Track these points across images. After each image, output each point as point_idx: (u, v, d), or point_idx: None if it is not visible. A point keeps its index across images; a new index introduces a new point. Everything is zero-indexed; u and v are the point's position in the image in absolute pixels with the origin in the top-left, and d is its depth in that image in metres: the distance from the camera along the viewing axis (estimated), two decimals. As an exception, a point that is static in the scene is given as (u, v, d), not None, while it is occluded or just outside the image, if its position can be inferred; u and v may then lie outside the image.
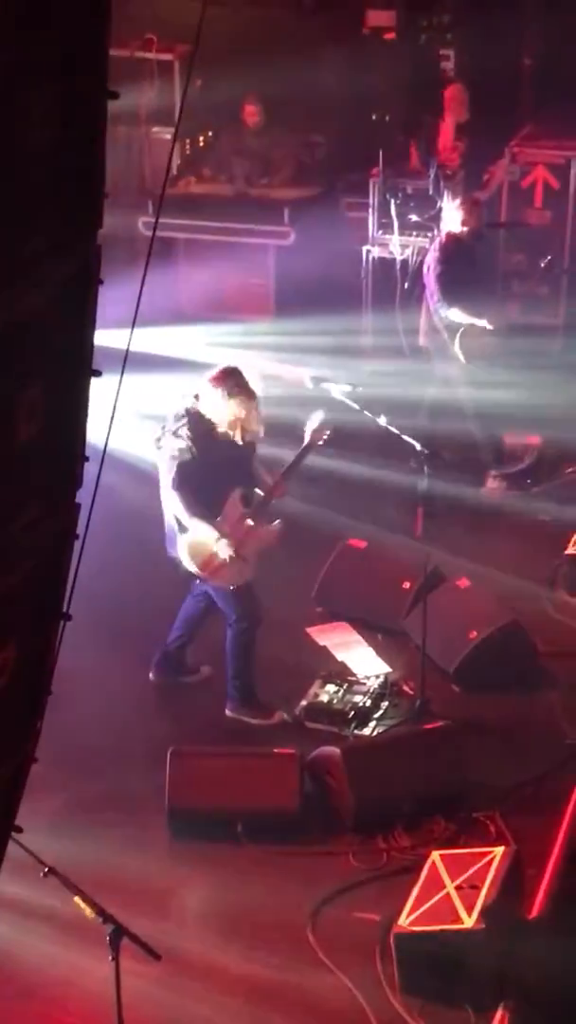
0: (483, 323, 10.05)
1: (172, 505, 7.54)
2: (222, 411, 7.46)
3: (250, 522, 7.63)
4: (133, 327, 3.09)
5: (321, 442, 7.74)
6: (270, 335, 10.14)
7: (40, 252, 2.53)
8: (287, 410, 8.13)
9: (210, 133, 12.95)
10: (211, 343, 11.14)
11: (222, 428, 7.48)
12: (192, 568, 7.60)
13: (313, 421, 7.75)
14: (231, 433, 7.49)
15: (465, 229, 10.15)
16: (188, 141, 12.74)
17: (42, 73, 2.44)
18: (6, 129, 2.34)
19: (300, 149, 12.94)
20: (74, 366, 2.74)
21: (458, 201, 10.50)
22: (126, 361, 3.19)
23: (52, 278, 2.57)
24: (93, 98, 2.61)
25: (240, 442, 7.54)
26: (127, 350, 3.19)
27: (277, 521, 7.75)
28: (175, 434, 7.46)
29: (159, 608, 8.37)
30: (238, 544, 7.55)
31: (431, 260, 10.25)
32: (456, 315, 10.02)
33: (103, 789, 7.31)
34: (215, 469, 7.49)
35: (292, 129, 12.84)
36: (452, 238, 10.20)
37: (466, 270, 10.15)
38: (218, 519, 7.52)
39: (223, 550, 7.50)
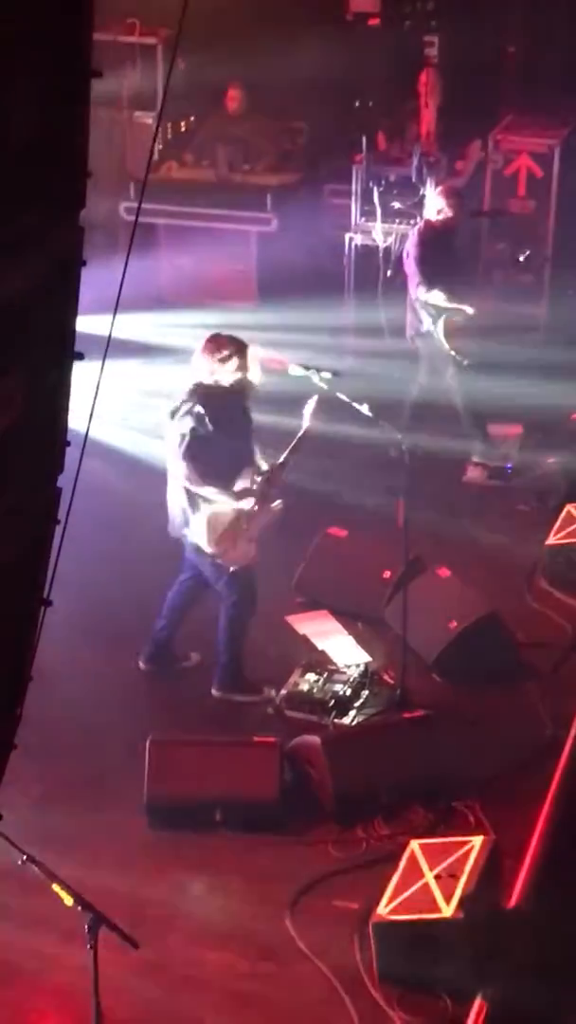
0: (464, 308, 10.04)
1: (187, 475, 7.51)
2: (222, 375, 7.51)
3: (279, 503, 7.68)
4: (115, 312, 3.06)
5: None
6: (252, 321, 10.08)
7: (23, 234, 2.49)
8: (271, 395, 8.10)
9: (192, 118, 12.90)
10: (192, 329, 11.10)
11: (228, 393, 7.52)
12: (204, 545, 7.57)
13: (309, 406, 7.77)
14: (239, 396, 7.57)
15: (441, 218, 10.13)
16: (170, 126, 12.67)
17: (24, 54, 2.40)
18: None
19: (283, 135, 12.90)
20: (57, 350, 2.71)
21: (437, 189, 10.49)
22: (108, 346, 3.16)
23: (35, 260, 2.54)
24: (76, 78, 2.57)
25: (247, 404, 7.65)
26: (109, 335, 3.15)
27: (278, 501, 7.76)
28: (187, 408, 7.49)
29: (143, 594, 8.35)
30: (250, 521, 7.56)
31: (409, 246, 10.24)
32: (436, 297, 10.01)
33: (83, 777, 7.28)
34: (226, 443, 7.53)
35: (275, 115, 12.79)
36: (429, 226, 10.20)
37: (444, 258, 10.15)
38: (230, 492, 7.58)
39: (247, 504, 7.56)
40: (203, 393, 7.52)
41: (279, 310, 10.86)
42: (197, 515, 7.56)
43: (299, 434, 7.77)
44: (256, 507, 7.61)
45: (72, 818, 6.86)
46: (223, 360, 7.49)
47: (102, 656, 8.15)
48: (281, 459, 7.75)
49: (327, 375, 7.92)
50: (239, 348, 7.55)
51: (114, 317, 3.05)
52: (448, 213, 10.11)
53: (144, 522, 8.99)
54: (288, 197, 12.30)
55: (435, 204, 10.19)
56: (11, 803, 3.30)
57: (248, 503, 7.58)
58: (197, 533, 7.59)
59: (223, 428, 7.52)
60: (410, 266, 10.18)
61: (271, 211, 12.18)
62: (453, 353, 10.08)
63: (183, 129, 12.87)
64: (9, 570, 2.72)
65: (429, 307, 10.10)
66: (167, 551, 8.05)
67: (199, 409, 7.47)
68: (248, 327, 7.94)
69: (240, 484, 7.62)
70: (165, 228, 12.37)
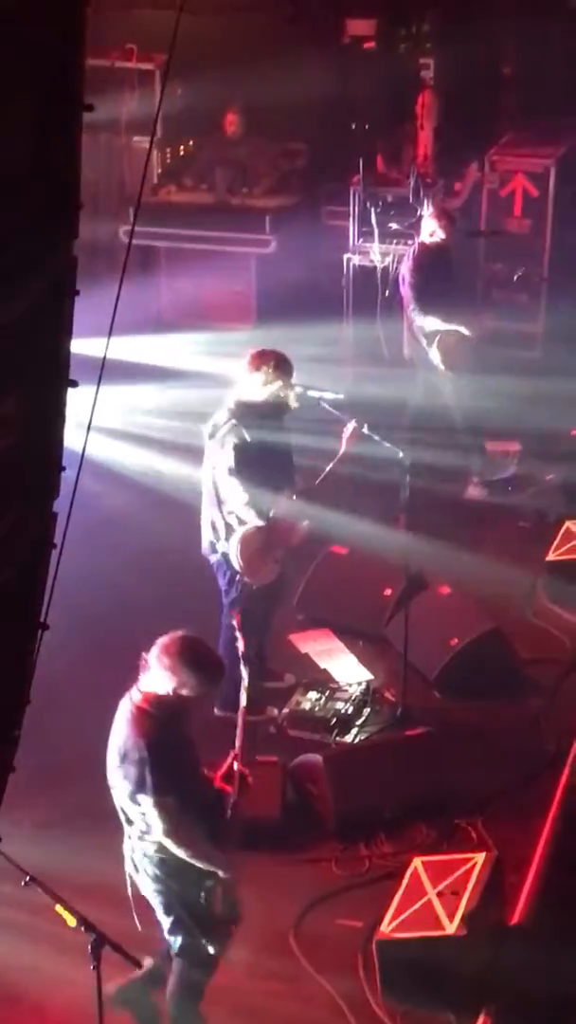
0: (459, 329, 10.09)
1: (228, 494, 7.51)
2: (264, 391, 7.52)
3: (305, 523, 7.71)
4: (110, 336, 3.11)
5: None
6: (251, 343, 10.14)
7: (15, 264, 2.54)
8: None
9: (191, 142, 12.99)
10: (192, 351, 11.17)
11: (265, 409, 7.53)
12: (236, 561, 7.59)
13: (347, 430, 7.83)
14: (278, 413, 7.58)
15: (435, 240, 10.20)
16: (169, 150, 12.78)
17: (16, 85, 2.45)
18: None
19: (281, 158, 12.99)
20: (50, 376, 2.75)
21: (431, 211, 10.56)
22: (103, 370, 3.21)
23: (27, 290, 2.58)
24: (68, 110, 2.62)
25: (283, 424, 7.63)
26: (104, 359, 3.20)
27: (305, 521, 7.78)
28: (230, 427, 7.48)
29: (140, 616, 8.36)
30: (279, 542, 7.62)
31: (405, 270, 10.31)
32: (431, 323, 10.08)
33: (84, 797, 7.27)
34: (264, 458, 7.52)
35: (273, 138, 12.89)
36: (424, 248, 10.26)
37: (440, 279, 10.21)
38: (270, 512, 7.60)
39: (282, 506, 7.56)
40: (243, 411, 7.53)
41: (278, 331, 10.91)
42: (232, 535, 7.57)
43: (336, 457, 7.84)
44: (288, 528, 7.64)
45: (74, 838, 6.86)
46: (267, 375, 7.50)
47: (101, 677, 8.15)
48: (318, 481, 7.80)
49: (331, 396, 7.98)
50: (282, 362, 7.57)
51: (108, 339, 3.10)
52: (441, 235, 10.18)
53: (142, 543, 9.07)
54: (287, 219, 12.39)
55: (428, 227, 10.26)
56: (14, 824, 3.33)
57: (284, 504, 7.58)
58: (233, 547, 7.59)
59: (262, 446, 7.52)
60: (405, 291, 10.25)
61: (270, 233, 12.26)
62: (450, 373, 10.14)
63: (182, 153, 12.96)
64: (5, 594, 2.76)
65: (424, 332, 10.17)
66: (169, 569, 8.09)
67: (240, 427, 7.47)
68: (247, 348, 7.97)
69: (277, 506, 7.64)
70: (165, 251, 12.45)
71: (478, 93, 12.65)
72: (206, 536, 7.67)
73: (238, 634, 6.21)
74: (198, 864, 5.47)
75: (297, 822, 7.10)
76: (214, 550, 7.67)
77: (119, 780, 5.47)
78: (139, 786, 5.39)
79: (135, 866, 5.62)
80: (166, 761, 5.41)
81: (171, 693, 5.47)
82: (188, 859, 5.46)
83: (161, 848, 5.50)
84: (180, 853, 5.46)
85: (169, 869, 5.54)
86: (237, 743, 5.83)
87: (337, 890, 6.78)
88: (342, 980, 6.21)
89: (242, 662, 6.17)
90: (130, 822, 5.54)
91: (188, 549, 7.85)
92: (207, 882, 5.49)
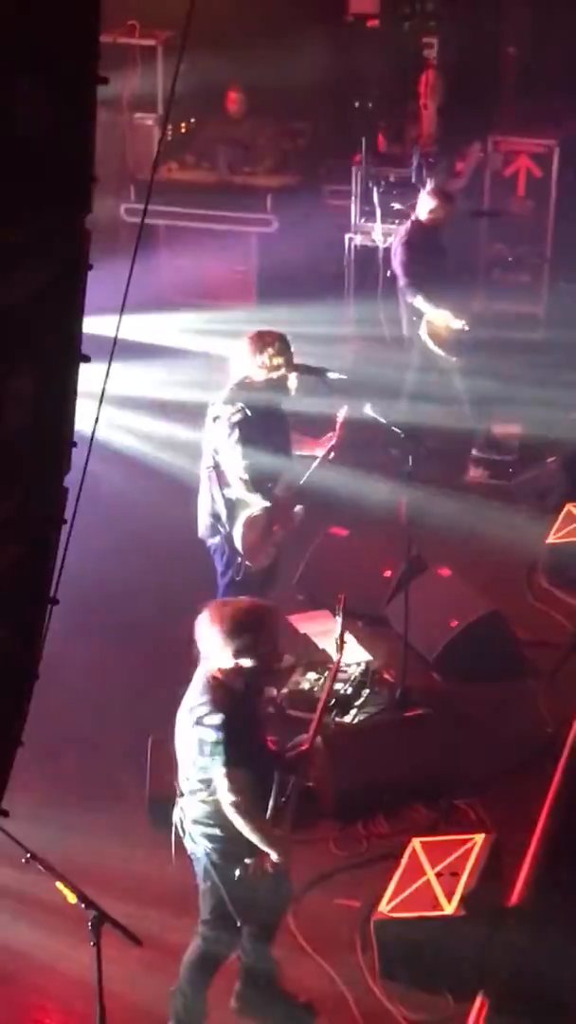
0: (444, 314, 10.07)
1: (232, 476, 7.47)
2: (264, 372, 7.49)
3: (300, 508, 7.70)
4: (121, 314, 3.09)
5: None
6: (252, 322, 10.12)
7: (29, 238, 2.52)
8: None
9: (192, 120, 12.93)
10: (192, 330, 11.14)
11: (266, 392, 7.50)
12: (239, 543, 7.57)
13: (341, 414, 7.82)
14: (278, 394, 7.55)
15: (431, 217, 10.17)
16: (170, 128, 12.71)
17: (32, 60, 2.43)
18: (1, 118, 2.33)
19: (283, 137, 12.94)
20: (63, 352, 2.74)
21: (428, 189, 10.52)
22: (115, 348, 3.19)
23: (41, 264, 2.57)
24: (83, 84, 2.60)
25: (283, 408, 7.61)
26: (115, 337, 3.18)
27: (299, 507, 7.78)
28: (232, 409, 7.44)
29: (145, 592, 8.39)
30: (280, 525, 7.62)
31: (396, 246, 10.27)
32: (420, 302, 10.07)
33: (86, 775, 7.31)
34: (265, 441, 7.49)
35: (275, 116, 12.83)
36: (418, 226, 10.22)
37: (430, 259, 10.18)
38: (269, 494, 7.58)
39: (282, 489, 7.54)
40: (244, 392, 7.50)
41: (279, 310, 10.89)
42: (236, 518, 7.55)
43: (331, 442, 7.81)
44: (286, 512, 7.63)
45: (74, 816, 6.88)
46: (267, 356, 7.47)
47: (104, 654, 8.18)
48: (314, 465, 7.79)
49: (333, 376, 7.95)
50: (283, 344, 7.53)
51: (120, 319, 3.08)
52: (438, 213, 10.15)
53: (147, 520, 9.05)
54: (288, 198, 12.34)
55: (426, 205, 10.22)
56: (14, 801, 3.32)
57: (285, 486, 7.58)
58: (234, 533, 7.58)
59: (263, 428, 7.50)
60: (396, 267, 10.24)
61: (271, 212, 12.22)
62: (441, 352, 10.13)
63: (184, 131, 12.91)
64: (17, 568, 2.75)
65: (413, 309, 10.16)
66: (170, 549, 8.08)
67: (243, 408, 7.42)
68: (248, 328, 7.95)
69: (277, 488, 7.61)
70: (166, 229, 12.41)
71: (482, 73, 12.60)
72: (204, 518, 7.65)
73: (339, 616, 6.14)
74: (255, 839, 5.46)
75: (296, 802, 7.08)
76: (214, 532, 7.65)
77: (191, 741, 5.48)
78: (212, 753, 5.39)
79: (183, 829, 5.61)
80: (240, 734, 5.41)
81: (235, 665, 5.44)
82: (247, 833, 5.45)
83: (216, 815, 5.48)
84: (241, 825, 5.44)
85: (218, 839, 5.53)
86: (312, 727, 5.84)
87: (335, 870, 6.79)
88: (340, 960, 6.23)
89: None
90: (189, 784, 5.53)
91: (188, 529, 7.84)
92: (248, 860, 5.48)
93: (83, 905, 5.10)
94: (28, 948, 6.20)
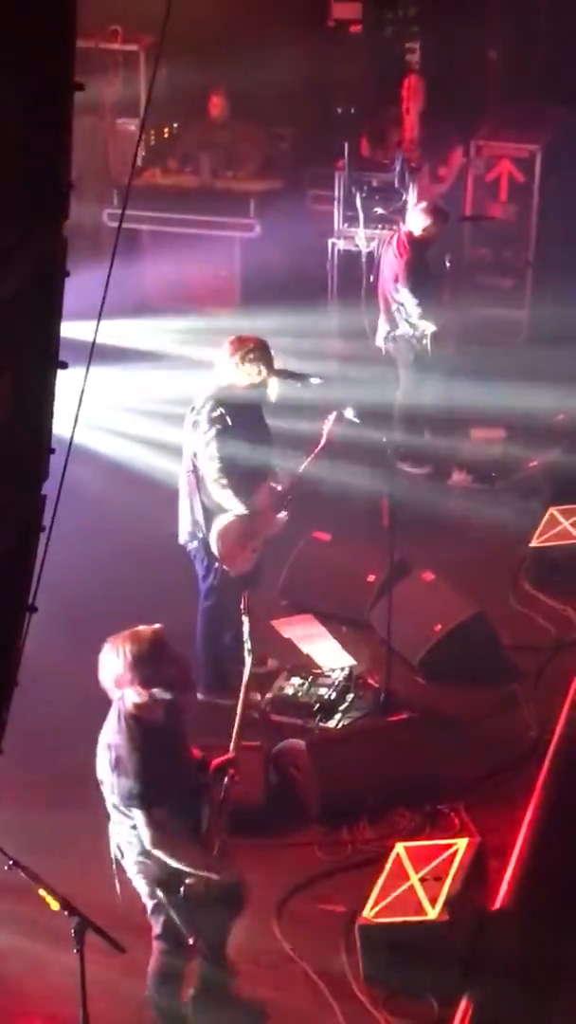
0: (431, 327, 10.09)
1: (209, 483, 7.48)
2: (244, 377, 7.48)
3: (283, 514, 7.71)
4: (99, 319, 3.09)
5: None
6: (235, 327, 10.12)
7: (6, 244, 2.52)
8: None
9: (175, 125, 12.92)
10: (175, 335, 11.13)
11: (246, 395, 7.51)
12: (215, 549, 7.57)
13: (330, 422, 7.82)
14: (257, 400, 7.56)
15: (425, 234, 10.18)
16: (153, 132, 12.71)
17: (7, 67, 2.42)
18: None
19: (266, 141, 12.94)
20: (40, 358, 2.74)
21: (423, 205, 10.51)
22: (92, 353, 3.19)
23: (18, 271, 2.57)
24: (59, 90, 2.60)
25: (262, 411, 7.61)
26: (93, 342, 3.18)
27: (283, 513, 7.78)
28: (209, 415, 7.45)
29: (128, 597, 8.37)
30: (258, 532, 7.60)
31: (397, 263, 10.22)
32: (426, 323, 10.08)
33: (67, 782, 7.27)
34: (245, 447, 7.50)
35: (258, 121, 12.84)
36: (414, 241, 10.22)
37: (420, 272, 10.20)
38: (250, 501, 7.59)
39: (262, 496, 7.58)
40: (223, 397, 7.50)
41: (262, 316, 10.88)
42: (219, 519, 7.55)
43: (317, 448, 7.82)
44: (266, 518, 7.63)
45: (57, 823, 6.86)
46: (247, 361, 7.47)
47: (85, 659, 8.14)
48: (299, 471, 7.79)
49: (315, 381, 7.96)
50: (262, 349, 7.53)
51: (98, 323, 3.08)
52: (431, 231, 10.18)
53: (128, 526, 9.04)
54: (271, 203, 12.34)
55: (420, 221, 10.21)
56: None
57: (241, 509, 7.57)
58: (214, 535, 7.58)
59: (243, 434, 7.50)
60: (396, 270, 10.18)
61: (254, 217, 12.22)
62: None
63: (166, 135, 12.90)
64: (-5, 576, 2.75)
65: (410, 320, 10.15)
66: (152, 555, 8.06)
67: (222, 414, 7.44)
68: (231, 333, 7.95)
69: (258, 494, 7.61)
70: (149, 234, 12.40)
71: (464, 77, 12.60)
72: (184, 523, 7.66)
73: (244, 618, 6.15)
74: (187, 869, 5.48)
75: (280, 807, 7.10)
76: (193, 537, 7.66)
77: (110, 782, 5.48)
78: (129, 798, 5.41)
79: (120, 851, 5.62)
80: (157, 772, 5.42)
81: (148, 698, 5.45)
82: (176, 865, 5.48)
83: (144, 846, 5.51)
84: (168, 859, 5.48)
85: (152, 867, 5.55)
86: (234, 733, 5.86)
87: (320, 875, 6.79)
88: (324, 964, 6.23)
89: (246, 647, 6.09)
90: (115, 815, 5.54)
91: (169, 534, 7.83)
92: (188, 881, 5.49)
93: (66, 912, 5.09)
94: (10, 955, 6.19)
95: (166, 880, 5.54)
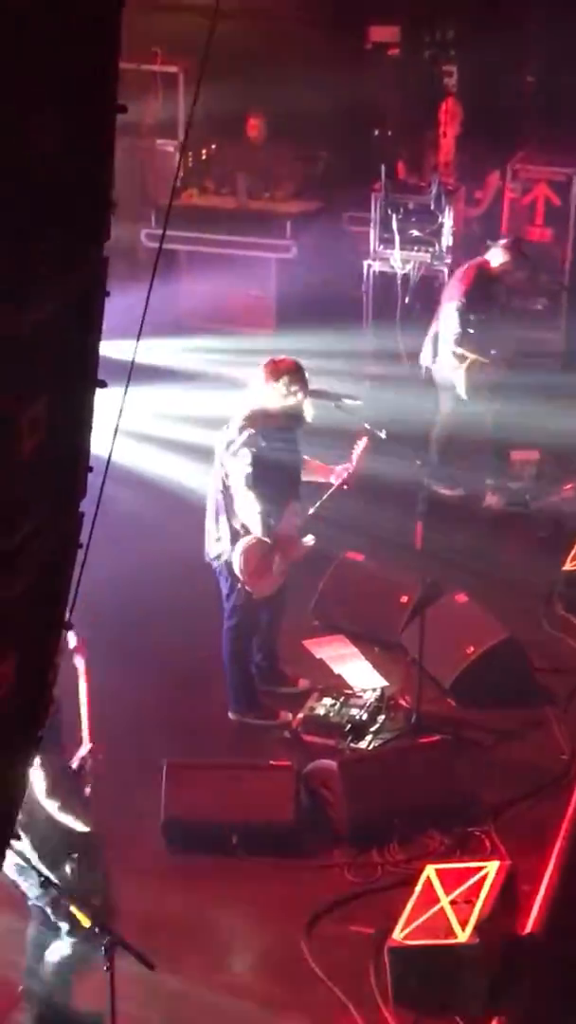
0: (485, 361, 10.05)
1: (242, 505, 7.51)
2: (279, 400, 7.51)
3: (311, 538, 7.73)
4: (139, 339, 3.11)
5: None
6: (271, 347, 10.15)
7: (48, 265, 2.55)
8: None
9: (213, 146, 13.00)
10: (210, 355, 11.18)
11: (280, 420, 7.54)
12: (238, 571, 7.59)
13: (359, 446, 7.83)
14: (292, 423, 7.58)
15: (500, 272, 10.17)
16: (191, 153, 12.79)
17: (52, 88, 2.46)
18: (16, 143, 2.36)
19: (303, 163, 13.00)
20: (80, 378, 2.76)
21: (505, 241, 10.52)
22: (131, 372, 3.21)
23: (60, 291, 2.59)
24: (103, 112, 2.63)
25: (296, 437, 7.63)
26: (132, 362, 3.21)
27: (310, 536, 7.79)
28: (245, 436, 7.47)
29: (158, 616, 8.39)
30: (283, 555, 7.61)
31: (458, 288, 10.15)
32: (467, 352, 10.04)
33: (99, 799, 7.28)
34: (276, 470, 7.53)
35: (295, 143, 12.89)
36: (484, 275, 10.17)
37: (487, 309, 10.14)
38: (276, 524, 7.60)
39: (288, 519, 7.62)
40: (260, 420, 7.52)
41: (297, 336, 10.92)
42: (243, 540, 7.57)
43: (346, 473, 7.84)
44: (291, 542, 7.64)
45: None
46: (282, 383, 7.49)
47: (118, 677, 8.17)
48: (327, 495, 7.80)
49: (351, 402, 7.98)
50: (297, 371, 7.56)
51: (137, 343, 3.10)
52: (508, 269, 10.16)
53: (159, 543, 9.05)
54: (307, 224, 12.40)
55: (499, 256, 10.19)
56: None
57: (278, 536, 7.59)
58: (233, 559, 7.60)
59: (275, 456, 7.52)
60: (450, 314, 10.08)
61: (290, 238, 12.27)
62: (466, 396, 10.12)
63: (204, 157, 12.97)
64: (33, 592, 2.77)
65: (455, 352, 10.08)
66: (183, 573, 8.07)
67: (255, 435, 7.47)
68: (267, 353, 7.98)
69: (285, 517, 7.63)
70: (185, 254, 12.46)
71: (501, 101, 12.63)
72: (209, 541, 7.69)
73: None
74: (64, 820, 5.63)
75: (310, 827, 7.09)
76: (217, 557, 7.68)
77: None
78: None
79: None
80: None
81: None
82: (57, 813, 5.61)
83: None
84: (50, 805, 5.62)
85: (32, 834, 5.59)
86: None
87: (349, 896, 6.76)
88: (353, 986, 6.20)
89: None
90: None
91: (198, 552, 7.86)
92: (65, 857, 5.58)
93: (97, 929, 5.11)
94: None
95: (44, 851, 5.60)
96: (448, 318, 10.12)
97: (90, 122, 2.64)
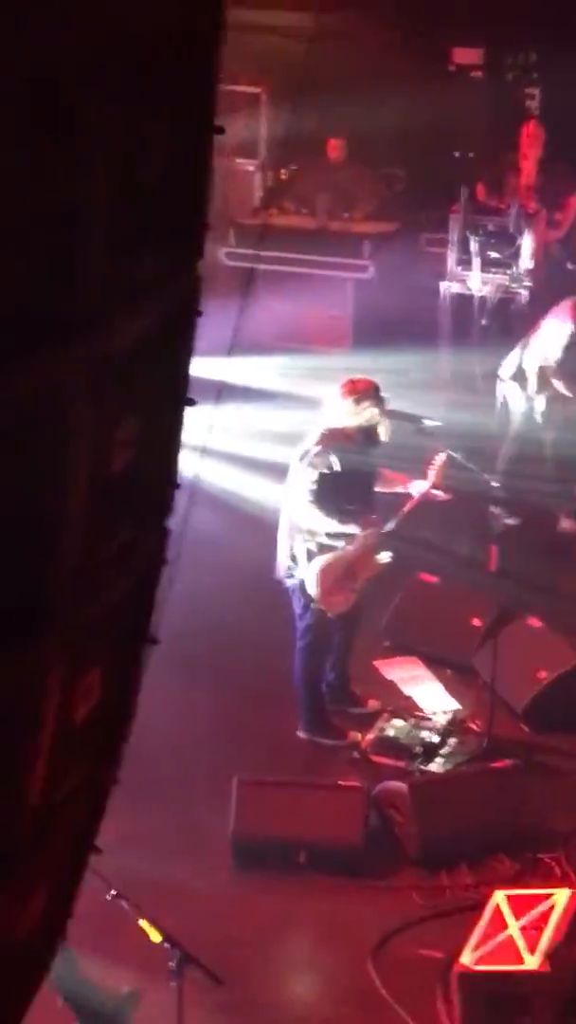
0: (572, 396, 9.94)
1: (310, 522, 7.54)
2: (355, 419, 7.53)
3: (387, 555, 7.72)
4: (229, 357, 3.13)
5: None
6: (347, 367, 10.16)
7: (144, 283, 2.57)
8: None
9: (293, 166, 13.06)
10: (287, 373, 11.21)
11: (356, 439, 7.56)
12: (311, 589, 7.60)
13: (437, 461, 7.84)
14: (367, 443, 7.60)
15: None
16: (271, 174, 12.86)
17: (158, 108, 2.48)
18: (125, 163, 2.38)
19: (381, 183, 13.02)
20: (171, 396, 2.77)
21: None
22: (221, 391, 3.24)
23: (157, 307, 2.61)
24: (203, 131, 2.65)
25: (369, 455, 7.64)
26: (222, 381, 3.23)
27: (387, 553, 7.79)
28: (317, 452, 7.51)
29: (232, 633, 8.41)
30: (358, 572, 7.60)
31: (561, 328, 9.88)
32: (561, 387, 9.91)
33: (169, 814, 7.32)
34: (349, 485, 7.54)
35: (374, 163, 12.92)
36: None
37: None
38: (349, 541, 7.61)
39: (362, 537, 7.57)
40: (334, 438, 7.55)
41: (374, 356, 10.92)
42: (312, 563, 7.59)
43: (424, 490, 7.84)
44: (367, 558, 7.65)
45: (158, 856, 6.89)
46: (359, 403, 7.52)
47: (189, 693, 8.20)
48: (406, 511, 7.81)
49: (429, 423, 7.98)
50: (374, 391, 7.58)
51: (229, 362, 3.13)
52: None
53: (233, 560, 9.07)
54: (385, 245, 12.42)
55: None
56: (98, 838, 3.34)
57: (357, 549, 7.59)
58: (308, 578, 7.61)
59: (349, 475, 7.54)
60: (561, 334, 9.90)
61: (368, 258, 12.29)
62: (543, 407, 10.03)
63: (284, 177, 13.03)
64: (123, 607, 2.78)
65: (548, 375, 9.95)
66: (258, 591, 8.09)
67: (331, 454, 7.50)
68: (343, 372, 8.00)
69: (360, 535, 7.63)
70: (264, 273, 12.50)
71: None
72: (282, 560, 7.70)
73: None
74: None
75: (379, 849, 7.07)
76: (290, 575, 7.69)
77: None
78: None
79: None
80: None
81: None
82: None
83: None
84: None
85: None
86: None
87: (417, 919, 6.74)
88: (420, 1010, 6.17)
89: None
90: None
91: (272, 570, 7.87)
92: None
93: (167, 945, 5.12)
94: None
95: None
96: (554, 343, 9.91)
97: (192, 142, 2.66)
